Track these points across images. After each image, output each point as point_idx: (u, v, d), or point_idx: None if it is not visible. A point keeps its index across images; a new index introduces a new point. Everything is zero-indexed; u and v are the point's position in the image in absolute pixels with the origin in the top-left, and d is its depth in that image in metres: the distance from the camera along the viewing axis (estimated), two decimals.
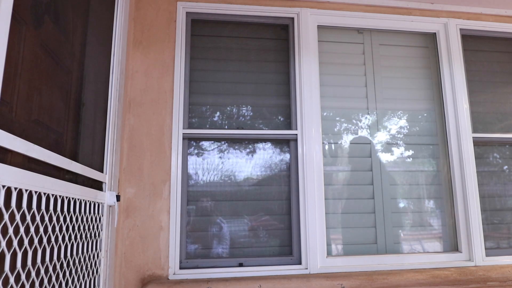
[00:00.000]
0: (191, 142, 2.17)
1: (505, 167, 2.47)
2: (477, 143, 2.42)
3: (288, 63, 2.31)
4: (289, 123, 2.25)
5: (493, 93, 2.55)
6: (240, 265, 2.05)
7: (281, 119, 2.25)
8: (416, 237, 2.28)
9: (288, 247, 2.13)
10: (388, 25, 2.44)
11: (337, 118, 2.33)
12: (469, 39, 2.57)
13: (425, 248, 2.28)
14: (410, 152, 2.38)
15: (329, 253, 2.16)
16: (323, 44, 2.38)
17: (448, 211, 2.33)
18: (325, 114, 2.31)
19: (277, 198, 2.17)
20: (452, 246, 2.31)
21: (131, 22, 2.16)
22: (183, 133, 2.11)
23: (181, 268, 2.00)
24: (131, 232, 1.99)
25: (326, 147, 2.28)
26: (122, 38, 1.87)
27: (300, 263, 2.08)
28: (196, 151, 2.16)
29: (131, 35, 2.16)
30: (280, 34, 2.35)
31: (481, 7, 2.56)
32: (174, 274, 1.96)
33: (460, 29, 2.52)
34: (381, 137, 2.35)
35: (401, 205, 2.29)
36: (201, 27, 2.30)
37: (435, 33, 2.51)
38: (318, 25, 2.35)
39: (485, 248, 2.29)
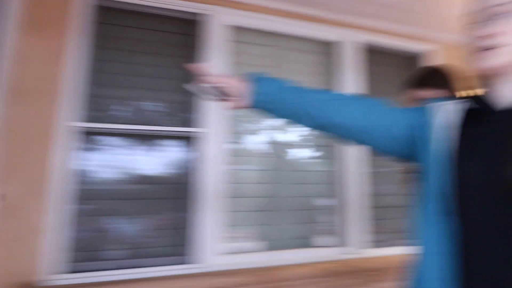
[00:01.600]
0: (86, 137, 2.05)
1: (392, 168, 2.72)
2: None
3: (197, 60, 2.29)
4: (193, 120, 2.25)
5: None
6: (131, 266, 2.01)
7: (185, 116, 2.23)
8: (307, 233, 2.42)
9: (182, 247, 2.14)
10: (294, 31, 2.54)
11: (241, 118, 2.38)
12: (365, 51, 2.76)
13: (315, 243, 2.44)
14: (307, 152, 2.51)
15: (224, 251, 2.21)
16: (232, 44, 2.40)
17: (339, 208, 2.51)
18: (230, 114, 2.34)
19: (176, 196, 2.16)
20: (339, 240, 2.49)
21: (25, 4, 1.96)
22: (75, 126, 1.98)
23: (64, 272, 1.88)
24: (7, 235, 1.84)
25: (230, 146, 2.32)
26: (14, 22, 1.70)
27: (194, 262, 2.10)
28: (91, 146, 2.06)
29: (24, 19, 1.96)
30: (191, 29, 2.32)
31: (374, 21, 2.76)
32: (55, 279, 1.85)
33: (357, 41, 2.70)
34: (283, 137, 2.44)
35: (295, 202, 2.41)
36: (105, 15, 2.16)
37: (334, 42, 2.66)
38: (229, 25, 2.36)
39: (368, 241, 2.52)
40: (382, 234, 2.65)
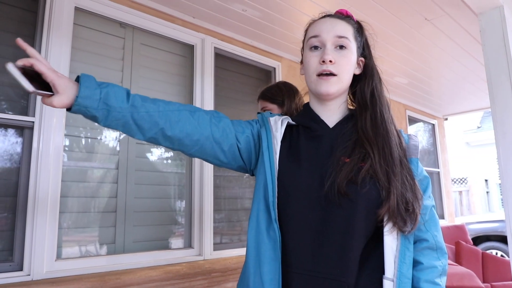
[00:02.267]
0: None
1: (239, 173, 2.88)
2: None
3: (34, 39, 2.00)
4: (25, 107, 1.94)
5: (234, 108, 2.94)
6: None
7: (16, 102, 1.92)
8: (155, 236, 2.36)
9: (8, 252, 1.82)
10: (151, 27, 2.46)
11: None
12: (220, 58, 2.89)
13: (163, 246, 2.39)
14: (158, 153, 2.46)
15: (62, 256, 1.97)
16: (80, 28, 2.18)
17: (187, 210, 2.53)
18: None
19: (1, 194, 1.82)
20: (187, 243, 2.50)
21: None
22: None
23: None
24: None
25: (69, 140, 2.08)
26: None
27: (21, 270, 1.81)
28: None
29: None
30: (30, 5, 2.02)
31: (233, 33, 2.92)
32: None
33: (214, 47, 2.80)
34: None
35: (144, 204, 2.32)
36: None
37: (193, 45, 2.70)
38: (76, 6, 2.14)
39: (214, 244, 2.59)
40: (227, 236, 2.77)
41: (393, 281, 0.88)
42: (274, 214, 0.93)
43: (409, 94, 4.66)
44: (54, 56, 1.99)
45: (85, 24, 2.21)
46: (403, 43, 3.15)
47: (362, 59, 1.07)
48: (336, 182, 0.89)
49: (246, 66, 3.08)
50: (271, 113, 1.11)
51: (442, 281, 0.97)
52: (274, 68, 3.23)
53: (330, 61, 0.97)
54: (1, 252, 1.81)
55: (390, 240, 0.89)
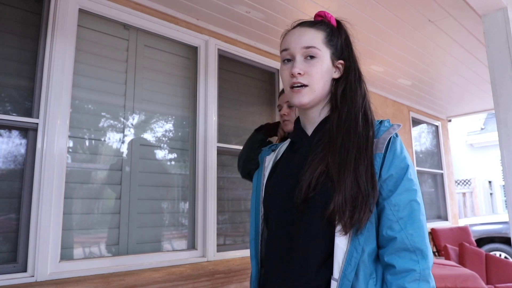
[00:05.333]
0: None
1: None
2: (220, 152, 2.73)
3: (38, 40, 2.01)
4: (29, 109, 1.95)
5: (237, 110, 2.95)
6: None
7: (20, 103, 1.93)
8: (159, 237, 2.36)
9: (12, 253, 1.83)
10: (155, 29, 2.47)
11: (89, 112, 2.17)
12: (224, 60, 2.89)
13: (166, 247, 2.39)
14: (162, 155, 2.46)
15: (66, 257, 1.98)
16: (84, 30, 2.19)
17: (191, 212, 2.53)
18: (76, 106, 2.12)
19: (5, 196, 1.83)
20: (190, 244, 2.50)
21: None
22: None
23: None
24: None
25: (73, 141, 2.09)
26: None
27: (25, 271, 1.81)
28: None
29: None
30: (34, 7, 2.03)
31: (236, 35, 2.92)
32: None
33: (218, 49, 2.81)
34: (135, 137, 2.33)
35: (148, 206, 2.33)
36: None
37: (197, 47, 2.71)
38: (80, 8, 2.15)
39: (217, 245, 2.59)
40: (231, 238, 2.77)
41: (337, 281, 0.86)
42: (255, 250, 1.08)
43: (412, 95, 4.64)
44: (58, 58, 2.00)
45: (89, 26, 2.22)
46: (407, 44, 3.15)
47: (342, 61, 1.04)
48: (301, 189, 0.92)
49: (250, 68, 3.09)
50: (271, 146, 1.21)
51: None
52: (278, 70, 3.24)
53: (299, 74, 0.98)
54: (5, 254, 1.82)
55: (340, 241, 0.87)
